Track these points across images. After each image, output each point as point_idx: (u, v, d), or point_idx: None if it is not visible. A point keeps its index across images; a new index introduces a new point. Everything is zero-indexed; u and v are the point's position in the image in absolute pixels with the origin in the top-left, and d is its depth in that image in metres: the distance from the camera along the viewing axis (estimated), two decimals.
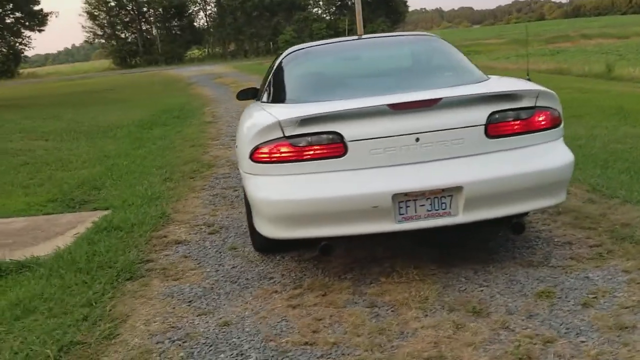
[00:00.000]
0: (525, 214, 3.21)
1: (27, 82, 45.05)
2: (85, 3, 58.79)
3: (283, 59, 3.91)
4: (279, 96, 3.53)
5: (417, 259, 3.32)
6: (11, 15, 56.96)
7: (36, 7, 57.81)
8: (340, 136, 2.79)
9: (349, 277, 3.20)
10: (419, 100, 2.81)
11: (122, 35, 59.89)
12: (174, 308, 3.05)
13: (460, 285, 2.97)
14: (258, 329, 2.72)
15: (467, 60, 3.81)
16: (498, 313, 2.65)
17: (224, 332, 2.74)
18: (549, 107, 2.97)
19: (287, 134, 2.81)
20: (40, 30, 60.33)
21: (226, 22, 59.45)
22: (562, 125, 3.07)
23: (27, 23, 58.57)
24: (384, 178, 2.78)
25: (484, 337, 2.46)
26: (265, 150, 2.86)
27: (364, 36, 4.42)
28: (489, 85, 3.25)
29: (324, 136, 2.80)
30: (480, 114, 2.84)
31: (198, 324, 2.85)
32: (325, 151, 2.81)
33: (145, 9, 59.93)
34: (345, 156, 2.80)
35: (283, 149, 2.83)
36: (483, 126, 2.84)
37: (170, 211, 4.83)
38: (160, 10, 59.10)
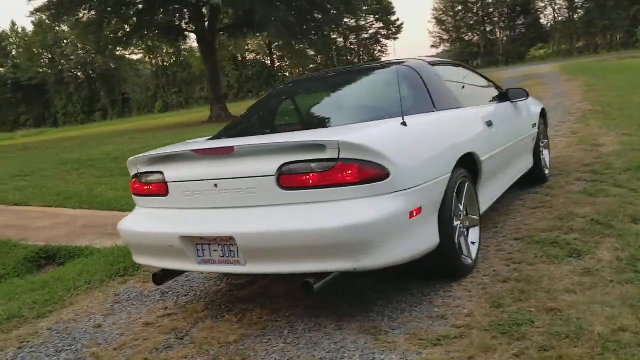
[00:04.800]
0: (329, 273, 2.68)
1: None
2: (434, 10, 62.50)
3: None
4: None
5: (294, 302, 3.26)
6: (372, 27, 64.57)
7: (392, 18, 64.25)
8: (164, 177, 3.05)
9: (221, 309, 3.37)
10: (214, 148, 2.85)
11: (466, 38, 61.42)
12: (102, 305, 3.76)
13: (268, 338, 2.86)
14: (104, 336, 3.20)
15: (420, 95, 3.45)
16: None
17: (89, 332, 3.31)
18: (359, 160, 2.59)
19: (139, 171, 3.22)
20: (395, 39, 66.93)
21: (575, 16, 55.02)
22: (386, 181, 2.61)
23: (384, 33, 65.64)
24: (181, 220, 2.92)
25: None
26: (132, 183, 3.32)
27: (335, 71, 4.26)
28: (341, 130, 2.97)
29: (155, 176, 3.10)
30: (271, 164, 2.70)
31: (89, 321, 3.49)
32: (155, 190, 3.11)
33: (491, 10, 60.08)
34: (168, 196, 3.05)
35: (136, 184, 3.24)
36: (274, 177, 2.70)
37: None
38: (506, 9, 58.39)
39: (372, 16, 64.31)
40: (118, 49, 33.44)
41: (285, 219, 2.65)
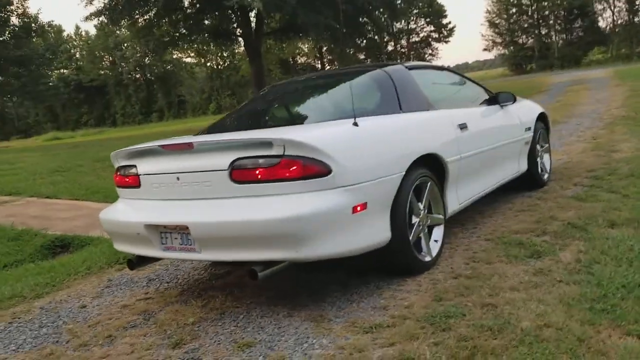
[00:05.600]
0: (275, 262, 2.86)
1: None
2: (487, 12, 61.41)
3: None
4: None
5: (259, 292, 3.46)
6: (423, 31, 64.14)
7: (444, 21, 63.53)
8: (137, 170, 3.31)
9: (193, 295, 3.61)
10: (176, 144, 3.08)
11: (520, 41, 60.01)
12: (94, 289, 4.07)
13: (223, 321, 3.07)
14: (85, 315, 3.50)
15: (387, 98, 3.60)
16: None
17: (73, 311, 3.61)
18: (301, 157, 2.77)
19: (120, 164, 3.49)
20: (446, 42, 66.18)
21: (635, 19, 52.88)
22: (328, 177, 2.77)
23: (436, 36, 65.02)
24: (148, 210, 3.17)
25: None
26: (114, 175, 3.60)
27: (315, 75, 4.45)
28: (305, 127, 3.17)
29: (131, 169, 3.36)
30: (224, 160, 2.91)
31: (77, 302, 3.80)
32: (130, 182, 3.37)
33: (547, 13, 58.48)
34: (140, 188, 3.31)
35: (117, 177, 3.52)
36: (227, 171, 2.90)
37: None
38: (562, 12, 56.70)
39: (423, 19, 63.83)
40: (174, 52, 34.54)
41: (233, 210, 2.86)
